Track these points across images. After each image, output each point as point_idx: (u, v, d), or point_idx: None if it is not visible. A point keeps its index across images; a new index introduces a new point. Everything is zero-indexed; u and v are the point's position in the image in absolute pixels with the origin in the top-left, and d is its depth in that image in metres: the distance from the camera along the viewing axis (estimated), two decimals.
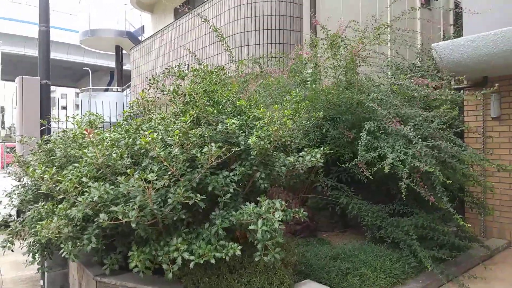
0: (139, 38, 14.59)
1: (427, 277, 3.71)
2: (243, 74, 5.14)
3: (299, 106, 3.39)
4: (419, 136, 3.96)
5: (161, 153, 2.28)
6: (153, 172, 2.22)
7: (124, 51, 15.81)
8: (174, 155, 2.39)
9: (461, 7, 5.41)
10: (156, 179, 2.16)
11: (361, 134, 4.00)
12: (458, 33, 8.66)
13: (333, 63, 4.76)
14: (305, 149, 3.03)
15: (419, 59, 5.92)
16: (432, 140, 4.00)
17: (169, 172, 2.34)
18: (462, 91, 5.53)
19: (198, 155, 2.45)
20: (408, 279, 3.65)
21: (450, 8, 9.85)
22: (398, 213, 4.76)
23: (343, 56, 4.69)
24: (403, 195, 3.64)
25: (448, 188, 4.11)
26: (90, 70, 27.96)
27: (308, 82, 4.76)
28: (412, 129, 3.91)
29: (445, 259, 3.87)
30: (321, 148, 3.08)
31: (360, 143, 3.91)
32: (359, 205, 4.80)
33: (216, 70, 3.44)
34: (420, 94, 4.71)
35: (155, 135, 2.32)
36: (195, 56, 5.55)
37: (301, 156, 2.91)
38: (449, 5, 10.10)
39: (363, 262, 3.73)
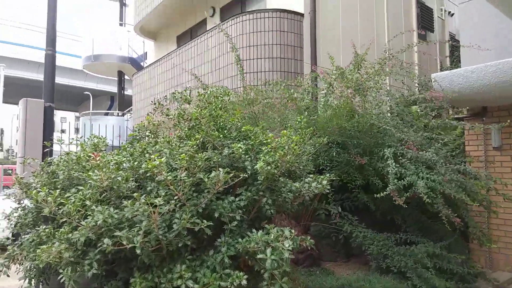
0: (142, 64, 14.85)
1: None
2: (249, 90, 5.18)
3: (304, 132, 3.40)
4: (442, 161, 3.93)
5: (168, 177, 2.25)
6: (159, 196, 2.18)
7: (126, 77, 16.04)
8: (180, 179, 2.35)
9: (457, 40, 5.59)
10: (162, 204, 2.11)
11: (388, 162, 3.91)
12: (455, 64, 8.88)
13: (341, 92, 4.82)
14: (311, 176, 3.01)
15: (418, 89, 6.02)
16: (451, 165, 3.97)
17: (175, 197, 2.30)
18: (462, 121, 5.62)
19: (206, 179, 2.42)
20: None
21: (445, 40, 10.13)
22: (404, 243, 4.69)
23: (351, 86, 4.76)
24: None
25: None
26: (91, 95, 28.21)
27: (321, 102, 4.79)
28: (435, 154, 3.90)
29: None
30: (328, 175, 3.06)
31: (390, 171, 3.84)
32: (364, 234, 4.73)
33: (221, 95, 3.46)
34: (437, 123, 4.74)
35: (162, 159, 2.30)
36: (200, 80, 5.62)
37: (307, 183, 2.88)
38: (444, 37, 10.42)
39: None
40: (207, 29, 8.93)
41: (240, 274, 2.26)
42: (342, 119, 4.63)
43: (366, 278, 4.07)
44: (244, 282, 2.24)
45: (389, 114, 4.96)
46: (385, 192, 3.82)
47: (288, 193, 2.74)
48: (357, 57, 5.20)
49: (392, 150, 4.16)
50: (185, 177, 2.37)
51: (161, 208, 2.12)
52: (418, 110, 4.86)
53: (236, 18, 7.33)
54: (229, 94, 3.61)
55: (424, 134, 4.34)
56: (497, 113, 5.25)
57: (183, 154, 2.44)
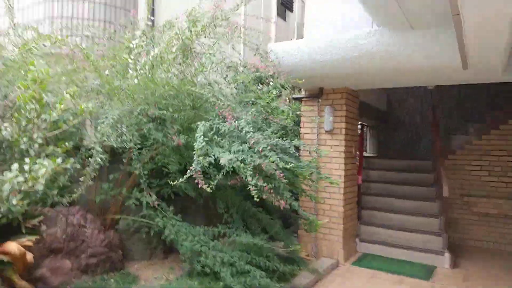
0: None
1: None
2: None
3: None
4: (260, 133, 3.34)
5: None
6: None
7: None
8: None
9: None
10: None
11: (196, 136, 3.13)
12: None
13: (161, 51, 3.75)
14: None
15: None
16: (271, 140, 3.41)
17: None
18: (300, 101, 5.28)
19: None
20: None
21: (303, 23, 10.10)
22: (223, 235, 4.06)
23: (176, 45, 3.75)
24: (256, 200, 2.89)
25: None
26: None
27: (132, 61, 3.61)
28: (250, 126, 3.24)
29: None
30: (53, 159, 1.98)
31: (196, 147, 3.04)
32: (178, 227, 3.91)
33: None
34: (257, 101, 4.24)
35: None
36: None
37: None
38: (303, 20, 10.44)
39: None
40: None
41: None
42: (157, 84, 3.62)
43: (166, 285, 3.22)
44: None
45: (217, 85, 4.16)
46: (186, 176, 3.02)
47: None
48: (194, 12, 4.12)
49: (208, 124, 3.39)
50: None
51: None
52: (250, 78, 4.22)
53: None
54: None
55: (248, 109, 3.69)
56: (332, 96, 5.05)
57: None
